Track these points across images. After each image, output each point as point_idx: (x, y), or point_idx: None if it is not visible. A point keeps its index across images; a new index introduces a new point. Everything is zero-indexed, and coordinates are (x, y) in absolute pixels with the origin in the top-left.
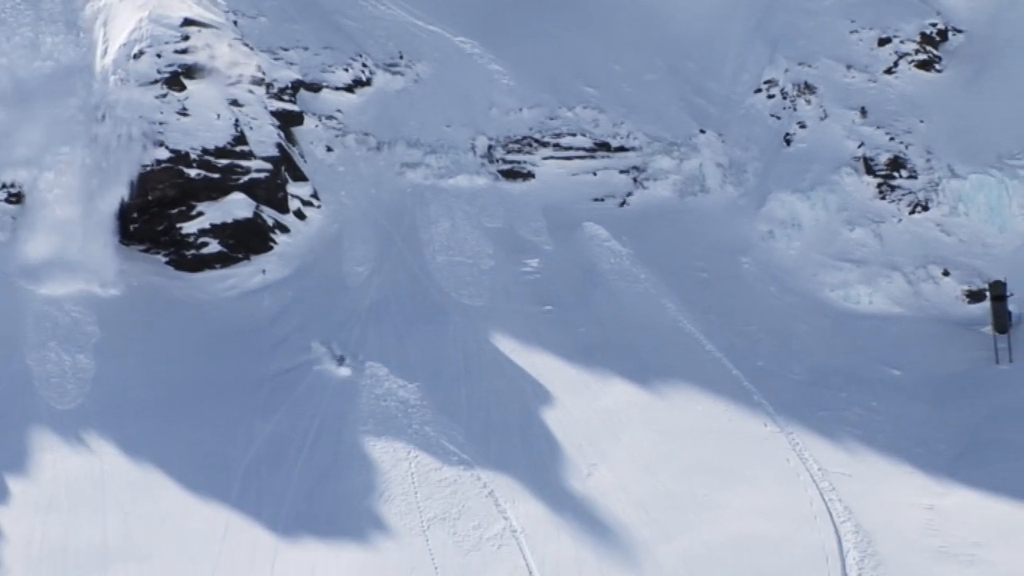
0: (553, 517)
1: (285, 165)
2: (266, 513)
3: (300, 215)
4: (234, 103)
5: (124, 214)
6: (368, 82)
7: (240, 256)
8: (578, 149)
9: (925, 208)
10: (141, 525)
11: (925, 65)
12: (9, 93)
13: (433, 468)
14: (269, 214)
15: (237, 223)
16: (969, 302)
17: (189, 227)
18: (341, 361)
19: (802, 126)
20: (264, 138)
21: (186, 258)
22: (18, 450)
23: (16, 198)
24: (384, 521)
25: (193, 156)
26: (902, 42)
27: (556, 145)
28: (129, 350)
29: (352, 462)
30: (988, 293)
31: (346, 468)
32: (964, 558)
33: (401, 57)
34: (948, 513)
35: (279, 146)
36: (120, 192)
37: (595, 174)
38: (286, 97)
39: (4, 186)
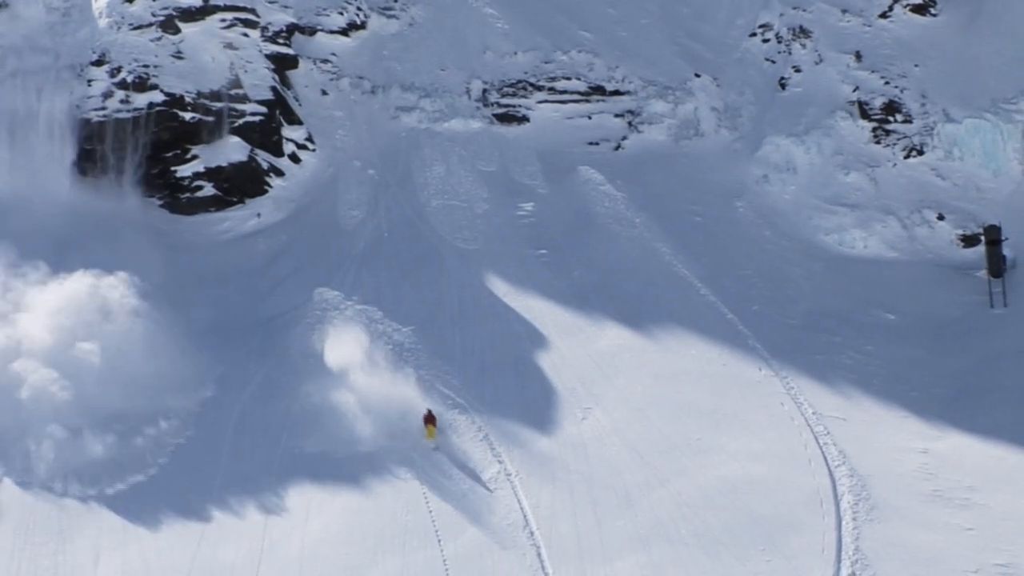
0: (547, 460)
1: (280, 109)
2: (260, 456)
3: (295, 159)
4: (229, 46)
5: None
6: (363, 25)
7: (235, 200)
8: (573, 93)
9: (920, 152)
10: None
11: (920, 9)
12: None
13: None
14: (264, 158)
15: (232, 166)
16: (964, 246)
17: (184, 170)
18: None
19: (797, 70)
20: (259, 81)
21: (181, 202)
22: None
23: None
24: (379, 465)
25: (188, 99)
26: None
27: (551, 89)
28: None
29: (341, 404)
30: (983, 237)
31: (335, 411)
32: (958, 501)
33: (395, 0)
34: (942, 457)
35: (274, 89)
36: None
37: (590, 118)
38: (281, 40)
39: None
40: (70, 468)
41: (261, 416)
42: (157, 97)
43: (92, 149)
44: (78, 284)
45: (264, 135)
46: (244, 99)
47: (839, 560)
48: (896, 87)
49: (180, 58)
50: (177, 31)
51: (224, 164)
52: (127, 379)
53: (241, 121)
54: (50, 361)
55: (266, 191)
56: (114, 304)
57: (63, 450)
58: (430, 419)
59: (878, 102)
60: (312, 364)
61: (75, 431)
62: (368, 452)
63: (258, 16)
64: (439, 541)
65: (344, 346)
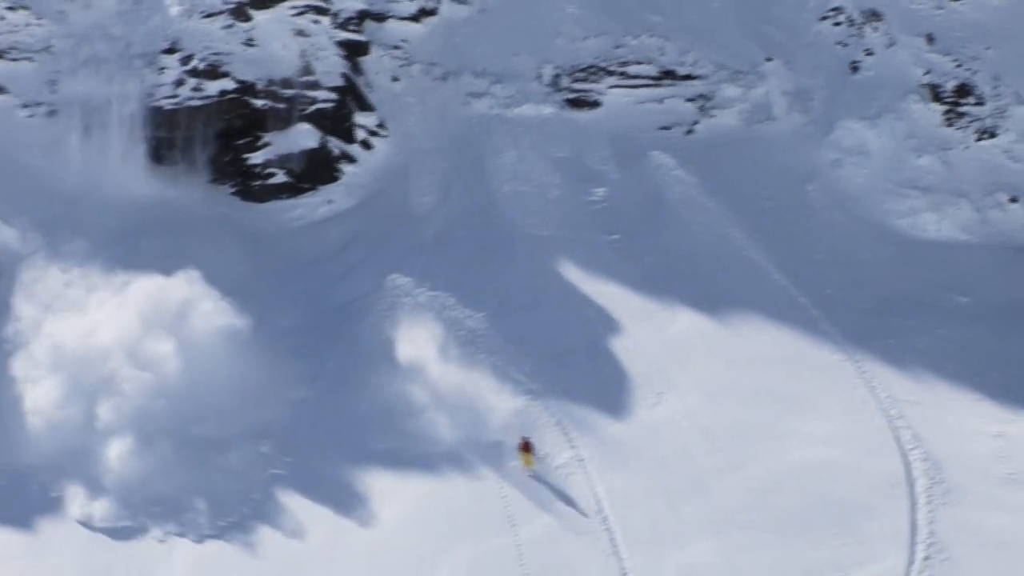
0: (620, 445)
1: (351, 95)
2: (330, 445)
3: (366, 145)
4: (299, 33)
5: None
6: (434, 11)
7: (306, 187)
8: (644, 77)
9: (992, 135)
10: None
11: None
12: None
13: (500, 394)
14: (335, 144)
15: (304, 152)
16: None
17: (257, 157)
18: None
19: (869, 53)
20: (330, 68)
21: (254, 188)
22: None
23: None
24: (451, 452)
25: (259, 87)
26: None
27: (622, 73)
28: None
29: (417, 390)
30: None
31: (409, 398)
32: None
33: None
34: (1017, 440)
35: (345, 76)
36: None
37: (661, 102)
38: (351, 27)
39: None
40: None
41: (331, 403)
42: (228, 85)
43: (164, 137)
44: (153, 282)
45: (335, 122)
46: (315, 86)
47: (913, 544)
48: (968, 70)
49: (251, 45)
50: (248, 18)
51: (295, 151)
52: (208, 383)
53: (312, 108)
54: (128, 361)
55: (337, 178)
56: (190, 301)
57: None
58: (527, 447)
59: (950, 85)
60: (385, 354)
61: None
62: (442, 445)
63: (329, 3)
64: (512, 528)
65: (417, 338)
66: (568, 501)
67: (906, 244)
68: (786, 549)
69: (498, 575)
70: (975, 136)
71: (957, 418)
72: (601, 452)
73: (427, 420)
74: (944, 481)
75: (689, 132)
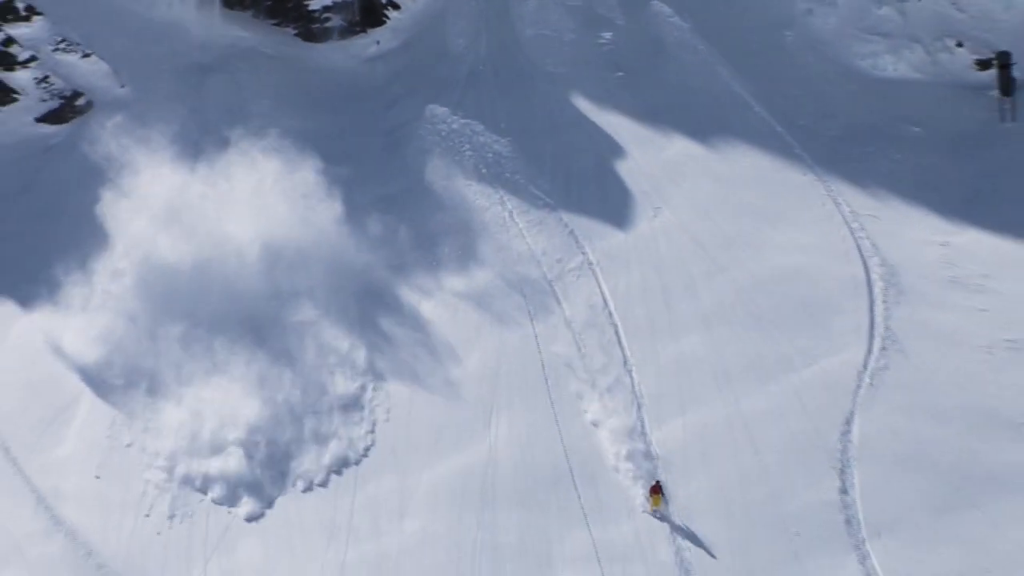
0: (623, 252)
1: None
2: (379, 246)
3: None
4: None
5: None
6: None
7: (358, 29)
8: None
9: None
10: None
11: None
12: None
13: (523, 210)
14: None
15: (355, 0)
16: (979, 69)
17: (314, 3)
18: None
19: None
20: None
21: (313, 31)
22: None
23: None
24: (479, 255)
25: None
26: None
27: None
28: (255, 107)
29: (454, 203)
30: (995, 62)
31: (451, 208)
32: (973, 287)
33: None
34: (960, 249)
35: None
36: None
37: None
38: None
39: None
40: None
41: (381, 214)
42: None
43: None
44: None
45: None
46: None
47: (872, 337)
48: None
49: None
50: None
51: None
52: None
53: None
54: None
55: (384, 22)
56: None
57: None
58: (657, 490)
59: None
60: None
61: None
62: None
63: None
64: (532, 321)
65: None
66: (579, 298)
67: (868, 82)
68: (764, 341)
69: (520, 359)
70: None
71: (909, 230)
72: (607, 257)
73: (461, 221)
74: (898, 284)
75: None
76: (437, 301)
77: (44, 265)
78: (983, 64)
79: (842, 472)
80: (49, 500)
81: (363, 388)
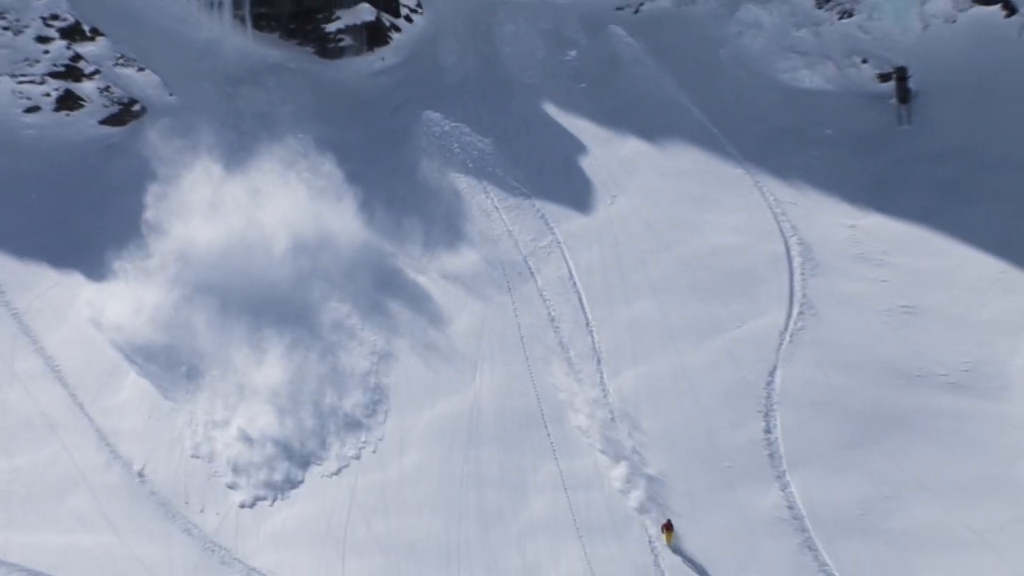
0: (586, 232)
1: None
2: (383, 230)
3: (408, 19)
4: None
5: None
6: None
7: (366, 48)
8: None
9: (850, 15)
10: None
11: None
12: None
13: (502, 198)
14: (386, 18)
15: (364, 24)
16: (880, 82)
17: (330, 27)
18: None
19: None
20: None
21: (328, 49)
22: None
23: None
24: (465, 233)
25: None
26: None
27: None
28: (281, 113)
29: (443, 192)
30: (894, 75)
31: (443, 197)
32: (875, 262)
33: None
34: (865, 230)
35: None
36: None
37: None
38: None
39: None
40: None
41: (386, 199)
42: None
43: (265, 12)
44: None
45: (387, 2)
46: None
47: (791, 303)
48: None
49: None
50: None
51: (358, 23)
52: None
53: None
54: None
55: (388, 42)
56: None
57: None
58: (669, 527)
59: None
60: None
61: None
62: (461, 227)
63: None
64: (510, 291)
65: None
66: (550, 270)
67: (788, 92)
68: (703, 306)
69: (500, 322)
70: (838, 16)
71: (822, 214)
72: (572, 237)
73: (448, 207)
74: (813, 259)
75: (636, 12)
76: (431, 274)
77: (100, 246)
78: (884, 77)
79: (766, 415)
80: (109, 438)
81: (373, 352)
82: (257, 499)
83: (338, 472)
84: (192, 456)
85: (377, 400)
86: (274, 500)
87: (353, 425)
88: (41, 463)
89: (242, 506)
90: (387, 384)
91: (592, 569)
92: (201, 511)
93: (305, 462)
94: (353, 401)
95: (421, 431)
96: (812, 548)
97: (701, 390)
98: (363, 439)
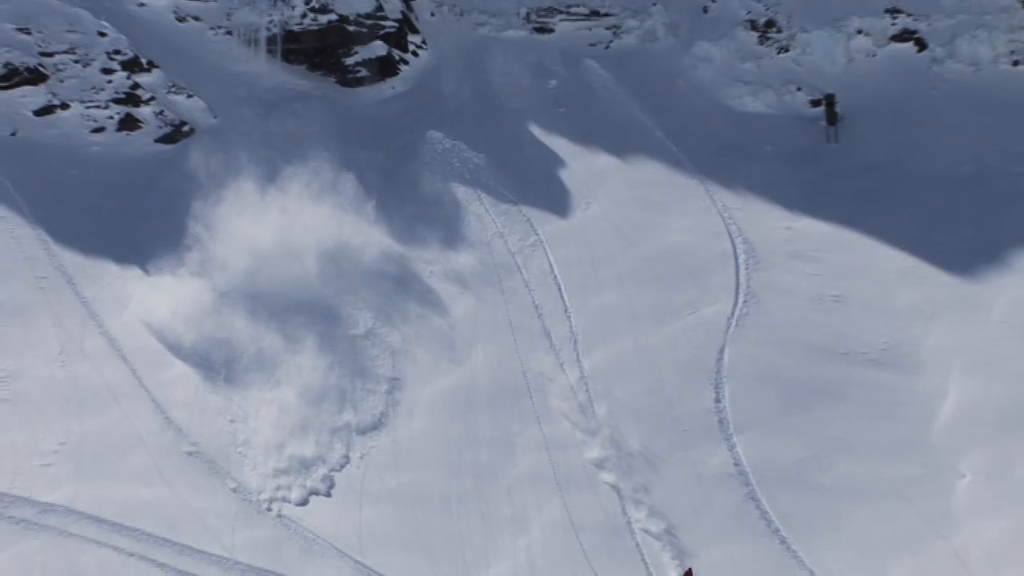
0: (565, 233)
1: (406, 24)
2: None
3: (415, 54)
4: None
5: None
6: None
7: (379, 78)
8: (580, 15)
9: (787, 50)
10: None
11: None
12: None
13: (494, 204)
14: (396, 53)
15: (378, 58)
16: (812, 106)
17: (349, 60)
18: None
19: (713, 0)
20: (393, 8)
21: (348, 79)
22: None
23: None
24: (463, 234)
25: (351, 17)
26: None
27: (567, 12)
28: (307, 134)
29: (444, 200)
30: (823, 101)
31: (444, 204)
32: (808, 258)
33: None
34: (799, 231)
35: (402, 12)
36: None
37: (590, 29)
38: None
39: None
40: None
41: (386, 202)
42: (333, 16)
43: (294, 48)
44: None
45: (397, 39)
46: (385, 18)
47: (737, 292)
48: (772, 11)
49: None
50: None
51: (373, 57)
52: None
53: (382, 31)
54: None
55: (398, 73)
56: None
57: None
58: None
59: (762, 20)
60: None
61: None
62: (456, 228)
63: None
64: (500, 282)
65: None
66: (533, 266)
67: (735, 115)
68: (662, 295)
69: (492, 309)
70: (776, 51)
71: (763, 218)
72: (552, 236)
73: (448, 211)
74: (755, 255)
75: (607, 48)
76: (434, 270)
77: (155, 246)
78: (815, 103)
79: (716, 387)
80: (163, 406)
81: (389, 344)
82: (291, 462)
83: (355, 434)
84: (230, 421)
85: (393, 378)
86: (302, 466)
87: (373, 398)
88: (106, 427)
89: (276, 472)
90: (400, 365)
91: (570, 516)
92: (241, 469)
93: (330, 430)
94: (373, 381)
95: (427, 401)
96: (755, 499)
97: (661, 366)
98: (379, 410)
